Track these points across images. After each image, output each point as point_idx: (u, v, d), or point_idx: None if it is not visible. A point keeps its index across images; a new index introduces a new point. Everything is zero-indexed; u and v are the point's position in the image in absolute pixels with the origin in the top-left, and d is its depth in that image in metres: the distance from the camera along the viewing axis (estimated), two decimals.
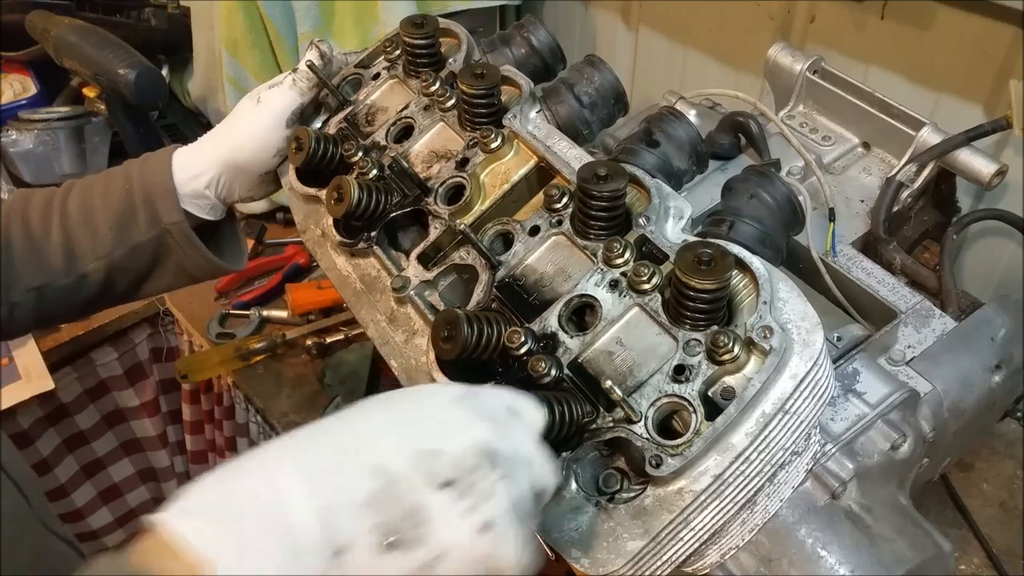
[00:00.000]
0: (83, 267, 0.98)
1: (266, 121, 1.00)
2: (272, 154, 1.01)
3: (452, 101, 0.96)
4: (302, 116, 1.03)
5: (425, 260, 0.88)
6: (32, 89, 1.93)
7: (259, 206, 1.94)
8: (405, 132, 0.99)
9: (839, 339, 0.98)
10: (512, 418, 0.61)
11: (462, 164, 0.92)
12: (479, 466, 0.53)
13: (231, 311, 1.76)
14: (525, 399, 0.64)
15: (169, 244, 1.00)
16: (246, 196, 1.06)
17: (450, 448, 0.54)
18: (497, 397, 0.62)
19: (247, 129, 1.00)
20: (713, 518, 0.69)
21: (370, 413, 0.58)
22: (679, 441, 0.67)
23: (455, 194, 0.91)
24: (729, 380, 0.70)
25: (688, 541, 0.70)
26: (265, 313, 1.75)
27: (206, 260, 1.02)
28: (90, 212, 0.98)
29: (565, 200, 0.83)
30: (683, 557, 0.71)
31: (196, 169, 1.00)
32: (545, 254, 0.83)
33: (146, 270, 1.02)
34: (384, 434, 0.55)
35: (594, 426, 0.71)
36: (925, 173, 1.18)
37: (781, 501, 0.77)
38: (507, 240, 0.86)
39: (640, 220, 0.78)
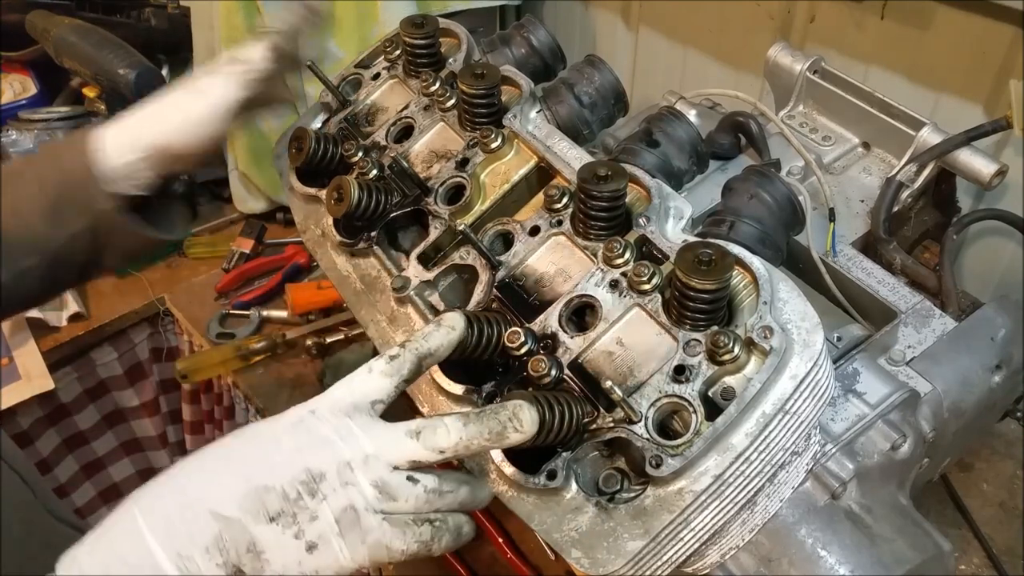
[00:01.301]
0: (22, 263, 0.95)
1: (202, 112, 0.95)
2: (208, 143, 0.97)
3: (452, 101, 0.96)
4: (250, 106, 0.98)
5: (425, 260, 0.88)
6: (32, 89, 1.93)
7: (259, 206, 1.95)
8: (405, 132, 0.99)
9: (839, 339, 0.98)
10: (347, 422, 0.65)
11: (462, 164, 0.92)
12: (300, 495, 0.62)
13: (231, 311, 1.76)
14: (365, 380, 0.67)
15: (105, 229, 0.97)
16: (182, 173, 1.02)
17: (277, 482, 0.62)
18: (331, 408, 0.66)
19: (179, 117, 0.96)
20: (713, 518, 0.69)
21: (209, 460, 0.65)
22: (679, 441, 0.67)
23: (455, 194, 0.91)
24: (729, 380, 0.70)
25: (688, 541, 0.70)
26: (265, 313, 1.75)
27: (147, 238, 0.99)
28: (19, 206, 0.94)
29: (565, 200, 0.83)
30: (683, 557, 0.71)
31: (121, 155, 0.95)
32: (545, 254, 0.83)
33: (90, 255, 0.99)
34: (220, 479, 0.63)
35: (594, 426, 0.71)
36: (925, 173, 1.18)
37: (781, 501, 0.77)
38: (507, 240, 0.86)
39: (640, 220, 0.78)
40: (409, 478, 0.65)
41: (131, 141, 0.96)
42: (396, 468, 0.65)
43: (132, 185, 0.97)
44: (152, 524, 0.60)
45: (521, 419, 0.65)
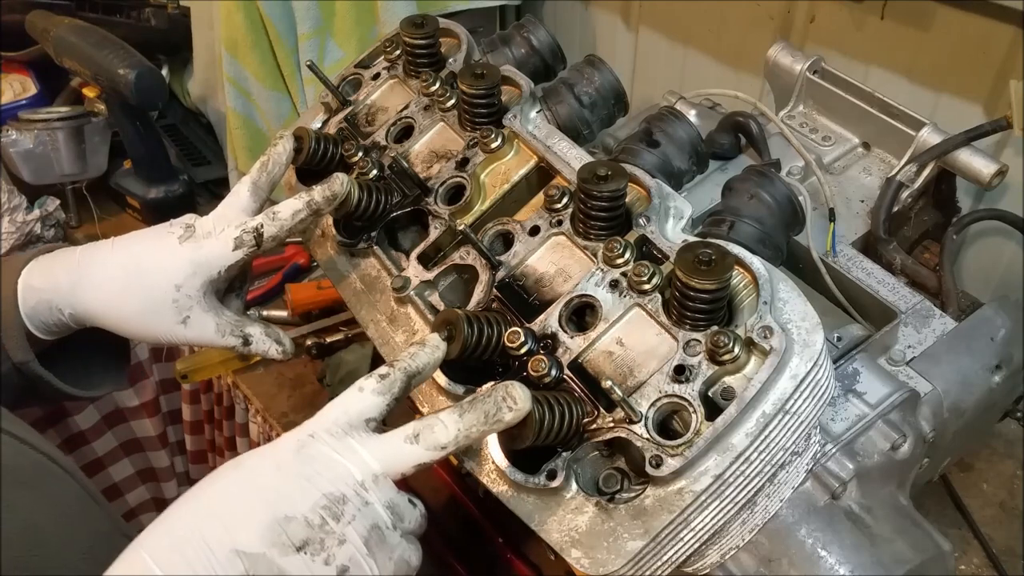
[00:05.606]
0: None
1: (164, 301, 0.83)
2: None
3: (452, 101, 0.96)
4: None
5: (425, 260, 0.88)
6: (32, 89, 1.93)
7: None
8: (405, 132, 0.99)
9: (839, 339, 0.98)
10: (349, 442, 0.65)
11: (462, 164, 0.92)
12: (325, 521, 0.61)
13: None
14: (358, 400, 0.68)
15: (26, 379, 0.85)
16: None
17: (297, 511, 0.61)
18: (330, 431, 0.66)
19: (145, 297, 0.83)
20: (713, 518, 0.69)
21: (217, 498, 0.63)
22: (679, 441, 0.67)
23: (455, 194, 0.91)
24: (729, 380, 0.70)
25: (688, 541, 0.70)
26: (265, 313, 1.74)
27: (61, 393, 0.87)
28: None
29: (565, 200, 0.83)
30: (683, 557, 0.71)
31: (53, 311, 0.83)
32: (545, 254, 0.83)
33: (17, 399, 0.86)
34: (235, 515, 0.61)
35: (594, 426, 0.71)
36: (925, 173, 1.18)
37: (781, 501, 0.77)
38: (507, 240, 0.86)
39: (640, 220, 0.78)
40: (410, 501, 0.67)
41: (68, 303, 0.83)
42: (400, 491, 0.66)
43: (59, 331, 0.86)
44: (171, 572, 0.57)
45: (514, 396, 0.65)
